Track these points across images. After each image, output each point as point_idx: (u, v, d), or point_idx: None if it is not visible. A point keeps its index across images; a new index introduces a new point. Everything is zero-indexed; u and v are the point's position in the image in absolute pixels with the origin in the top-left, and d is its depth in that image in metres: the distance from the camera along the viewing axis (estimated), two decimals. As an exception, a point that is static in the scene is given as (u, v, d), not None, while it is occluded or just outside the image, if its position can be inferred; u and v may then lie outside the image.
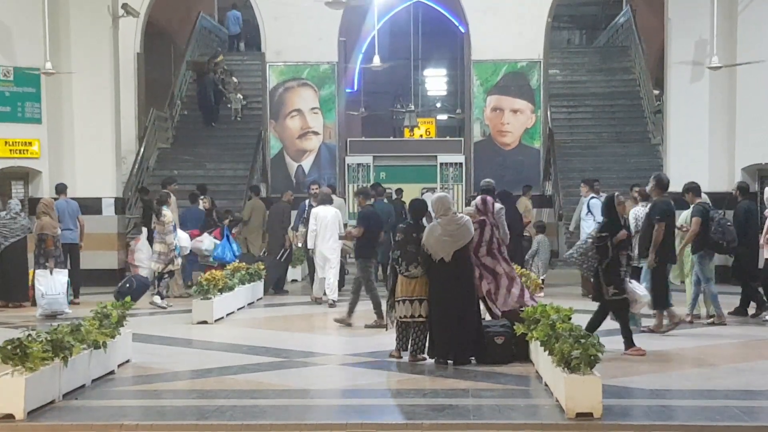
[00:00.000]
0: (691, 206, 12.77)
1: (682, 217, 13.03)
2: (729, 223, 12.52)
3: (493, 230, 10.72)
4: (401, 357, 10.16)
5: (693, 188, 12.85)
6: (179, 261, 15.30)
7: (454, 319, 9.73)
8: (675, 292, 12.86)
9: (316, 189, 16.72)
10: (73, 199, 16.50)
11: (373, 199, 14.42)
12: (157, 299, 14.92)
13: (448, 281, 9.79)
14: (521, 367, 9.57)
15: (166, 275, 15.14)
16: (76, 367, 8.58)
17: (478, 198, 11.09)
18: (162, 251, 14.89)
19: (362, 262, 12.89)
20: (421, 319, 9.97)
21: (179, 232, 15.57)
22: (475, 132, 23.33)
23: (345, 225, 16.01)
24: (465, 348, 9.82)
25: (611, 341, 9.60)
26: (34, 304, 14.62)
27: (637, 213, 13.45)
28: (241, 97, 25.30)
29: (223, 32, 30.91)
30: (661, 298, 11.63)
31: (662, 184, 12.08)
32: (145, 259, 16.26)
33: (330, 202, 15.55)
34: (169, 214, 15.08)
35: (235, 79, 25.48)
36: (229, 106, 25.33)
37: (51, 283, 13.99)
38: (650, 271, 11.75)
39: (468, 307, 9.86)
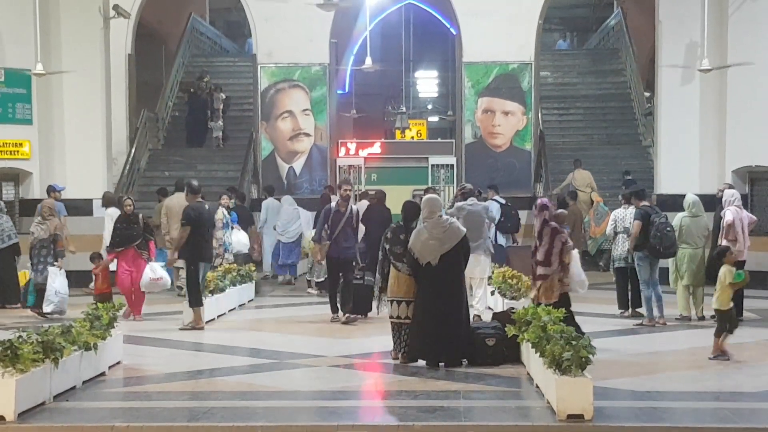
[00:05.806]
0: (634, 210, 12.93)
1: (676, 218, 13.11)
2: (668, 229, 12.43)
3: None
4: (398, 358, 10.14)
5: (636, 193, 13.19)
6: (229, 256, 16.38)
7: (443, 322, 9.71)
8: (667, 294, 12.92)
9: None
10: (63, 200, 16.48)
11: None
12: None
13: (437, 285, 9.74)
14: (512, 369, 9.58)
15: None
16: (67, 368, 8.57)
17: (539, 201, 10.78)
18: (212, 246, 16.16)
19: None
20: (410, 321, 9.97)
21: (241, 233, 16.89)
22: (467, 134, 23.28)
23: None
24: (456, 350, 9.82)
25: (602, 344, 9.61)
26: (25, 306, 14.58)
27: (617, 215, 13.54)
28: (222, 124, 25.06)
29: (214, 32, 30.96)
30: (194, 297, 12.54)
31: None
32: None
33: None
34: (219, 212, 16.18)
35: (222, 95, 25.27)
36: (215, 135, 25.23)
37: (64, 282, 14.03)
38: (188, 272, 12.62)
39: (457, 310, 9.84)
